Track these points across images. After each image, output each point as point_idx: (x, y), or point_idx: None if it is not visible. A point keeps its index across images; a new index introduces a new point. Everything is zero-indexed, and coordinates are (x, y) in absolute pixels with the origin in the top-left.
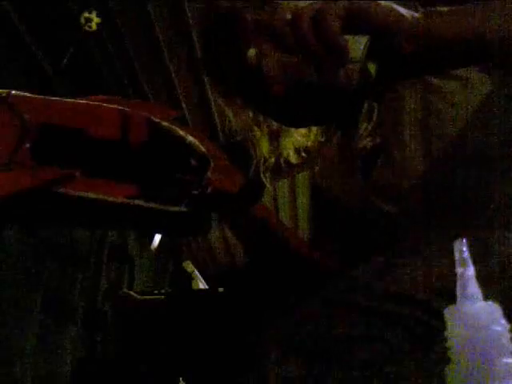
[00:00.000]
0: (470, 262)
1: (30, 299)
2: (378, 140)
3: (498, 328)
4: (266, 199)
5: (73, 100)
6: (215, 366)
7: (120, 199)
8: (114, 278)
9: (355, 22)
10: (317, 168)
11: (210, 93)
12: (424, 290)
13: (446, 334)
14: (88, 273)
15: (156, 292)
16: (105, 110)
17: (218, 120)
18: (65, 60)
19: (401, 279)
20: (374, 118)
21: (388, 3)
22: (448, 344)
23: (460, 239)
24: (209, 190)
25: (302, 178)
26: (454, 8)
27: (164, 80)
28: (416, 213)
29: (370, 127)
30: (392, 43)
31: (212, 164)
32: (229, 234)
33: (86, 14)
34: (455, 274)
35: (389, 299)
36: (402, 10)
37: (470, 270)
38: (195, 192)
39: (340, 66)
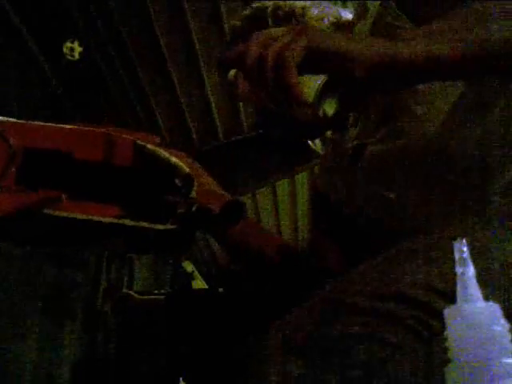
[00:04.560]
0: (469, 262)
1: (30, 299)
2: (364, 139)
3: (498, 328)
4: (267, 197)
5: (58, 125)
6: (215, 366)
7: (107, 219)
8: (114, 278)
9: (314, 61)
10: (316, 168)
11: (210, 93)
12: (424, 290)
13: (445, 334)
14: (88, 273)
15: (156, 292)
16: (90, 134)
17: (218, 120)
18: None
19: (401, 279)
20: (360, 124)
21: (347, 41)
22: (448, 344)
23: (460, 239)
24: (193, 208)
25: (302, 178)
26: (415, 31)
27: (164, 80)
28: (416, 207)
29: (355, 132)
30: (351, 79)
31: (196, 183)
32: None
33: (69, 44)
34: (455, 274)
35: (389, 299)
36: (359, 45)
37: (470, 270)
38: (181, 211)
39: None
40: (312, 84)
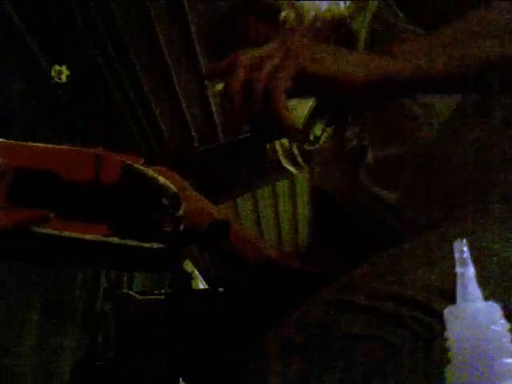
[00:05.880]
0: (469, 262)
1: (30, 299)
2: (365, 141)
3: (498, 328)
4: (266, 195)
5: (48, 145)
6: (215, 366)
7: (94, 237)
8: (114, 278)
9: (303, 85)
10: (316, 169)
11: (210, 92)
12: (424, 290)
13: (445, 334)
14: (88, 273)
15: (156, 292)
16: (79, 153)
17: (217, 120)
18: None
19: (401, 279)
20: (360, 123)
21: (336, 61)
22: (448, 344)
23: (460, 239)
24: (181, 227)
25: (302, 178)
26: (405, 47)
27: (164, 80)
28: (416, 207)
29: (356, 130)
30: (340, 101)
31: (183, 203)
32: None
33: (57, 67)
34: (455, 274)
35: (389, 299)
36: (347, 65)
37: (470, 270)
38: (168, 229)
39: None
40: (302, 109)
